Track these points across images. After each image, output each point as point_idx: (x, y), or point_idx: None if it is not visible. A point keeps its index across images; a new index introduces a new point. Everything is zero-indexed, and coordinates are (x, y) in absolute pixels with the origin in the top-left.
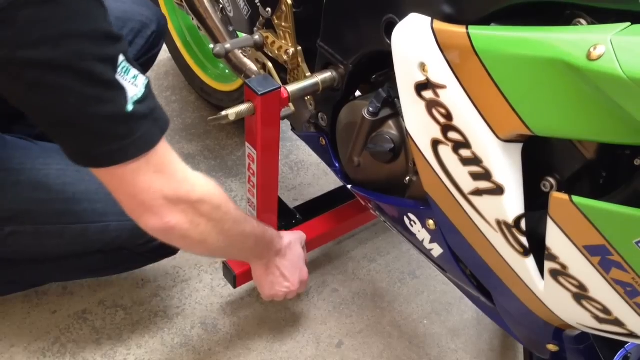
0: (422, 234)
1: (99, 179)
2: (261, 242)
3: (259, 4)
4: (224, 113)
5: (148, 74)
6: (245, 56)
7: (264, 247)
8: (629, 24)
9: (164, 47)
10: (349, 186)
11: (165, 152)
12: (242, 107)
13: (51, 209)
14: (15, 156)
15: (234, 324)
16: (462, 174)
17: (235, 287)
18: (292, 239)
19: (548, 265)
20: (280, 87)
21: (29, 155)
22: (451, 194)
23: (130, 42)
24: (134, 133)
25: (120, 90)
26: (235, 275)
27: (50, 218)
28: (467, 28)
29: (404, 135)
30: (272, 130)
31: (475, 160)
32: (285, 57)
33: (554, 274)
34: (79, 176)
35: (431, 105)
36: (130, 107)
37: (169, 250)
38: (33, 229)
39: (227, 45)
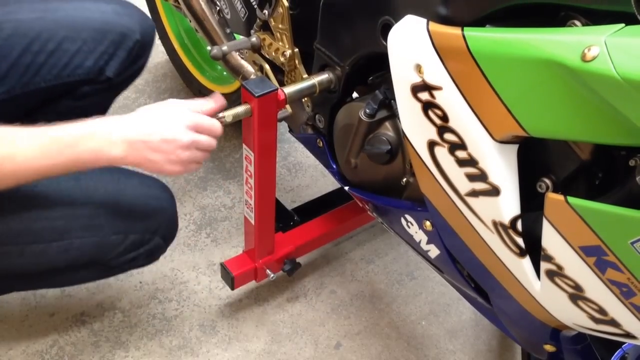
0: (419, 235)
1: None
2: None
3: (256, 6)
4: (220, 115)
5: (144, 75)
6: (242, 58)
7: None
8: (623, 25)
9: (162, 49)
10: (347, 188)
11: None
12: (239, 109)
13: (7, 229)
14: None
15: (232, 326)
16: (458, 175)
17: (233, 288)
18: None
19: (544, 265)
20: (277, 89)
21: None
22: (447, 195)
23: (110, 54)
24: None
25: None
26: (233, 277)
27: (8, 238)
28: (462, 30)
29: (400, 136)
30: (269, 132)
31: (471, 162)
32: (282, 59)
33: (550, 274)
34: (36, 192)
35: (427, 106)
36: None
37: (142, 262)
38: None
39: (225, 48)
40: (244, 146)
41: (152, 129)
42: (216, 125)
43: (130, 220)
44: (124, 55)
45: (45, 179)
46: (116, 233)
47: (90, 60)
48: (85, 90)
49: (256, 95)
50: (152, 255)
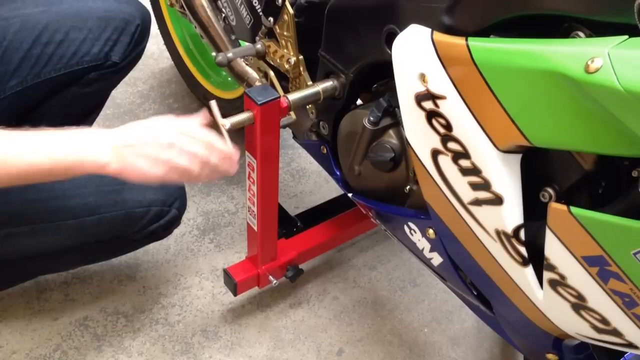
0: (422, 243)
1: None
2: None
3: (261, 13)
4: (221, 122)
5: (149, 81)
6: (247, 64)
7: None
8: (626, 36)
9: (167, 55)
10: (350, 194)
11: None
12: (241, 117)
13: (43, 208)
14: None
15: (234, 332)
16: (461, 184)
17: (235, 294)
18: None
19: (547, 275)
20: (279, 97)
21: None
22: (451, 203)
23: (115, 40)
24: None
25: None
26: (236, 283)
27: (45, 217)
28: (466, 39)
29: (404, 144)
30: (272, 139)
31: (474, 171)
32: (286, 66)
33: (553, 283)
34: None
35: (431, 115)
36: None
37: (161, 234)
38: (29, 229)
39: (230, 54)
40: (247, 153)
41: (137, 134)
42: (203, 134)
43: (150, 194)
44: (127, 40)
45: (27, 184)
46: (140, 206)
47: (96, 47)
48: (93, 76)
49: (258, 103)
50: (169, 228)
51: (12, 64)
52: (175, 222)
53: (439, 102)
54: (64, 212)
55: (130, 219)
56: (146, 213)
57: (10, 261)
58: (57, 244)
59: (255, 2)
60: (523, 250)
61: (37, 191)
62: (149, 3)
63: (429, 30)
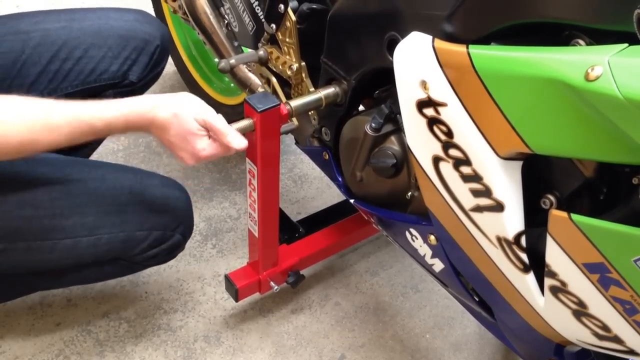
0: (424, 249)
1: None
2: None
3: (263, 20)
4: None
5: (153, 87)
6: (249, 71)
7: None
8: (626, 45)
9: (170, 60)
10: (352, 200)
11: None
12: (242, 124)
13: (40, 225)
14: None
15: (236, 337)
16: (462, 191)
17: (237, 300)
18: (168, 114)
19: (548, 281)
20: (279, 104)
21: (14, 171)
22: (452, 210)
23: (134, 60)
24: None
25: None
26: (237, 289)
27: (41, 234)
28: (467, 47)
29: (406, 150)
30: (272, 146)
31: (475, 177)
32: (289, 72)
33: (554, 290)
34: (66, 190)
35: (432, 122)
36: None
37: (163, 259)
38: (25, 246)
39: (232, 61)
40: (247, 160)
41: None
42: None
43: (153, 217)
44: (146, 60)
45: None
46: (141, 229)
47: (115, 66)
48: (109, 94)
49: (258, 110)
50: (172, 252)
51: (30, 77)
52: (179, 247)
53: (440, 109)
54: (60, 230)
55: (129, 241)
56: (147, 236)
57: (9, 275)
58: (53, 263)
59: (258, 9)
60: (524, 256)
61: (35, 208)
62: (152, 10)
63: (430, 37)
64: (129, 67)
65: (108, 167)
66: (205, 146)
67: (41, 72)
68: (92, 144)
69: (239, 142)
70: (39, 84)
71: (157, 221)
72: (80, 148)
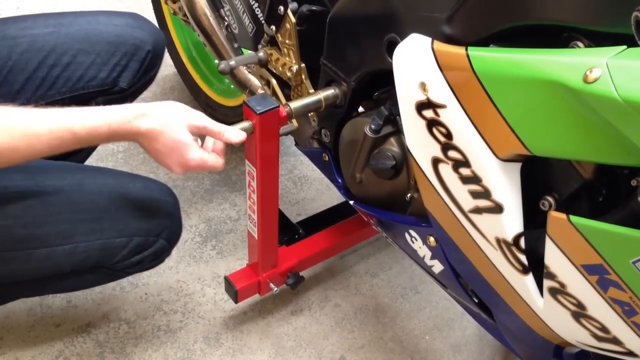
0: (423, 251)
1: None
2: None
3: (263, 22)
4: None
5: (152, 88)
6: (249, 72)
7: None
8: (625, 47)
9: (170, 62)
10: (351, 202)
11: None
12: (241, 126)
13: (11, 235)
14: None
15: (236, 338)
16: (462, 192)
17: (236, 302)
18: (157, 125)
19: (547, 283)
20: (278, 106)
21: None
22: (451, 211)
23: (124, 66)
24: None
25: None
26: (237, 291)
27: (13, 244)
28: (466, 49)
29: (405, 152)
30: (271, 148)
31: (474, 179)
32: (288, 74)
33: (553, 292)
34: (40, 197)
35: (431, 124)
36: None
37: (148, 265)
38: None
39: (232, 62)
40: (247, 162)
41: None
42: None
43: (134, 222)
44: (137, 66)
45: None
46: (120, 236)
47: (104, 72)
48: (99, 101)
49: (257, 112)
50: (157, 258)
51: (16, 84)
52: (164, 253)
53: (439, 110)
54: (34, 239)
55: (108, 248)
56: (127, 243)
57: None
58: (30, 272)
59: (258, 11)
60: (523, 258)
61: (5, 217)
62: (152, 11)
63: (429, 39)
64: (119, 74)
65: (88, 171)
66: (194, 156)
67: (28, 79)
68: (85, 150)
69: (237, 135)
70: (26, 91)
71: (138, 227)
72: (74, 153)
